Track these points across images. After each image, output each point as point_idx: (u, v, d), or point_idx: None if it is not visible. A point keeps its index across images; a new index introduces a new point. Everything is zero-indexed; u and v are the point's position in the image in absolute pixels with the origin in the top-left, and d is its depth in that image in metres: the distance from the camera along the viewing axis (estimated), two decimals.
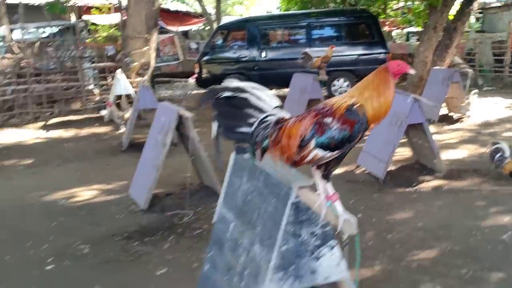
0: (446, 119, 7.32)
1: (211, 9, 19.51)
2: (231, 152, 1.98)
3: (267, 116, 1.37)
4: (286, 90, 8.83)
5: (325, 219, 1.42)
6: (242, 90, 1.35)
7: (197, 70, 10.73)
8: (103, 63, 10.69)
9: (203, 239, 3.36)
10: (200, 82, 10.73)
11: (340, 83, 9.84)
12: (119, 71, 8.49)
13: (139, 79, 8.34)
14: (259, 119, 1.37)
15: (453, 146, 5.78)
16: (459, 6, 8.57)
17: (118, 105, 7.97)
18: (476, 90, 7.75)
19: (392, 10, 16.74)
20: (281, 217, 1.59)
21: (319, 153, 1.29)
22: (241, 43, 10.37)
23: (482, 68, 12.32)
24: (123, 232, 3.55)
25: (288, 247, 1.59)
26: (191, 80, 14.03)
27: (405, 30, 16.77)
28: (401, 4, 14.99)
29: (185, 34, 17.11)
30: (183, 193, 4.32)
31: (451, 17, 8.67)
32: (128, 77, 8.55)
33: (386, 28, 16.29)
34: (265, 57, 10.07)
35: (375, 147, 4.65)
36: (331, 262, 1.64)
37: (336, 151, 1.30)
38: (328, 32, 10.32)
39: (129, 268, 3.00)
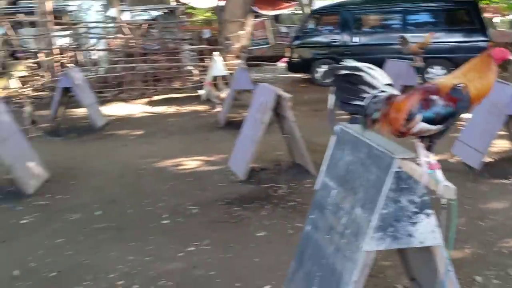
0: None
1: None
2: (334, 128, 2.21)
3: (379, 92, 1.59)
4: None
5: (426, 184, 1.61)
6: (358, 69, 1.59)
7: (288, 54, 10.99)
8: (199, 45, 11.37)
9: (296, 210, 3.66)
10: (291, 66, 10.99)
11: (436, 70, 9.55)
12: (216, 53, 9.03)
13: (236, 61, 8.79)
14: (372, 95, 1.59)
15: None
16: None
17: (215, 85, 8.50)
18: None
19: None
20: (383, 184, 1.81)
21: (425, 126, 1.49)
22: (333, 27, 10.43)
23: None
24: (225, 198, 3.96)
25: (388, 211, 1.81)
26: (280, 64, 14.34)
27: (509, 17, 15.59)
28: None
29: (276, 18, 17.41)
30: (277, 169, 4.66)
31: None
32: (224, 59, 9.07)
33: (487, 15, 15.27)
34: (357, 42, 10.04)
35: (471, 136, 4.61)
36: (426, 228, 1.83)
37: (440, 125, 1.49)
38: (425, 17, 10.01)
39: (233, 228, 3.39)
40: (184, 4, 14.00)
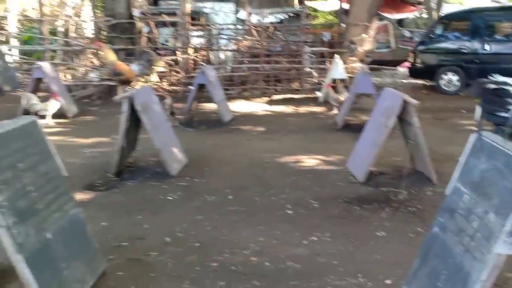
0: None
1: None
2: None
3: None
4: None
5: None
6: (507, 84, 1.70)
7: (411, 59, 10.73)
8: (319, 48, 11.61)
9: (417, 216, 3.72)
10: (414, 72, 10.72)
11: None
12: (337, 56, 9.20)
13: (358, 65, 8.87)
14: None
15: None
16: None
17: (334, 88, 8.67)
18: None
19: None
20: None
21: None
22: (463, 34, 9.95)
23: None
24: (344, 197, 4.15)
25: None
26: (401, 69, 13.97)
27: None
28: None
29: (400, 22, 16.94)
30: (397, 174, 4.71)
31: None
32: (345, 62, 9.20)
33: None
34: (488, 50, 9.47)
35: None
36: None
37: None
38: None
39: (352, 225, 3.58)
40: (309, 7, 14.34)
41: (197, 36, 10.67)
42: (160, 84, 9.52)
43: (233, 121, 7.48)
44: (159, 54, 10.06)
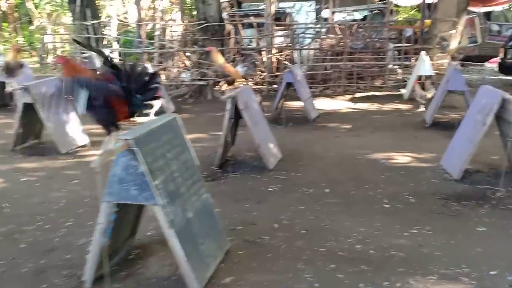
0: None
1: None
2: None
3: None
4: None
5: None
6: None
7: (501, 55, 10.29)
8: (402, 44, 11.46)
9: None
10: (504, 68, 10.28)
11: None
12: (423, 53, 9.08)
13: (446, 61, 8.72)
14: None
15: None
16: None
17: (421, 85, 8.59)
18: None
19: None
20: None
21: None
22: None
23: None
24: (440, 193, 4.25)
25: None
26: (488, 65, 13.36)
27: None
28: None
29: (487, 15, 16.12)
30: (493, 172, 4.70)
31: None
32: (431, 59, 9.06)
33: None
34: None
35: None
36: None
37: None
38: None
39: (452, 220, 3.69)
40: (390, 2, 14.14)
41: (281, 36, 10.99)
42: (246, 83, 9.96)
43: (319, 118, 7.70)
44: (244, 55, 10.55)
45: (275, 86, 10.24)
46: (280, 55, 10.64)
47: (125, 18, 15.44)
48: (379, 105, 8.82)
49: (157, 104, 7.71)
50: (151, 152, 2.56)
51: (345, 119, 7.74)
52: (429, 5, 12.48)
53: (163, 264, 3.00)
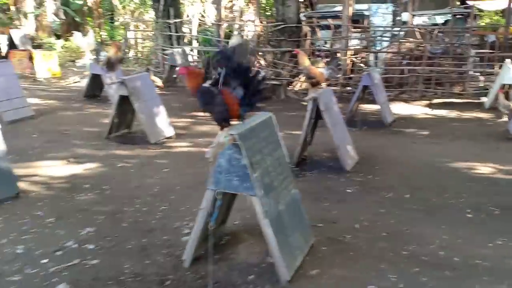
0: None
1: None
2: None
3: None
4: None
5: None
6: None
7: None
8: (485, 50, 10.98)
9: None
10: None
11: None
12: (508, 60, 8.68)
13: None
14: None
15: None
16: None
17: (506, 94, 8.23)
18: None
19: None
20: None
21: None
22: None
23: None
24: None
25: None
26: None
27: None
28: None
29: None
30: None
31: None
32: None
33: None
34: None
35: None
36: None
37: None
38: None
39: None
40: (473, 7, 13.58)
41: (357, 39, 10.95)
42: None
43: (395, 123, 7.64)
44: (319, 56, 10.64)
45: (348, 88, 10.24)
46: (355, 58, 10.61)
47: (203, 17, 16.03)
48: (458, 113, 8.56)
49: None
50: (251, 147, 2.77)
51: (422, 125, 7.62)
52: None
53: (252, 251, 3.22)
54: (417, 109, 8.96)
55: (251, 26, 12.27)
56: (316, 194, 4.47)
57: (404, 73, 10.24)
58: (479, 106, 8.96)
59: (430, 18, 10.93)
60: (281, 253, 2.77)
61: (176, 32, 12.43)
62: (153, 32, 14.30)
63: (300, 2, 13.13)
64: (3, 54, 14.32)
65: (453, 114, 8.51)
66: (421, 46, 10.31)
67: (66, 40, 18.64)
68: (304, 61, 5.13)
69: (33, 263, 3.03)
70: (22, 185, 4.31)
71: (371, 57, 10.91)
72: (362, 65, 9.75)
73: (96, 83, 8.90)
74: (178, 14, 13.11)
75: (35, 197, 4.20)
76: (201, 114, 8.12)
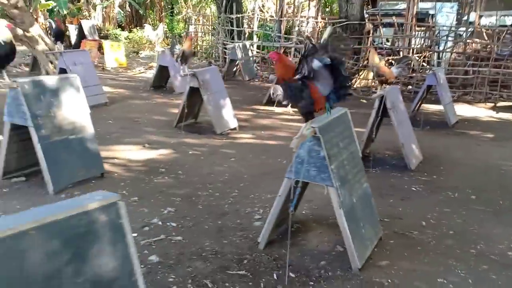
0: None
1: None
2: None
3: None
4: None
5: None
6: None
7: None
8: None
9: None
10: None
11: None
12: None
13: None
14: None
15: None
16: None
17: None
18: None
19: None
20: None
21: None
22: None
23: None
24: None
25: None
26: None
27: None
28: None
29: None
30: None
31: None
32: None
33: None
34: None
35: None
36: None
37: None
38: None
39: None
40: None
41: (421, 37, 10.77)
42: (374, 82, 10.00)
43: (458, 124, 7.52)
44: (380, 54, 10.55)
45: (409, 87, 10.12)
46: (418, 57, 10.45)
47: (262, 12, 16.25)
48: None
49: None
50: (329, 140, 2.94)
51: (486, 127, 7.45)
52: None
53: (322, 240, 3.39)
54: (481, 111, 8.74)
55: (312, 23, 12.35)
56: (380, 190, 4.55)
57: (469, 74, 9.98)
58: None
59: (498, 19, 10.54)
60: (354, 242, 2.92)
61: (238, 27, 12.73)
62: (213, 27, 14.69)
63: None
64: (73, 43, 15.26)
65: None
66: (488, 47, 9.99)
67: (130, 31, 19.50)
68: (374, 58, 5.21)
69: None
70: (105, 166, 4.69)
71: (435, 57, 10.69)
72: (425, 64, 9.59)
73: (163, 74, 9.34)
74: (240, 10, 13.40)
75: (117, 177, 4.57)
76: (262, 107, 8.38)
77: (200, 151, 5.59)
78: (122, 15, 20.73)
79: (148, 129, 6.55)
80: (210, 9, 19.36)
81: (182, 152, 5.48)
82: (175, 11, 21.61)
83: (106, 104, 7.93)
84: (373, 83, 9.66)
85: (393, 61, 10.55)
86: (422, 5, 12.13)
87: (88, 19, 17.59)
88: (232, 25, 12.73)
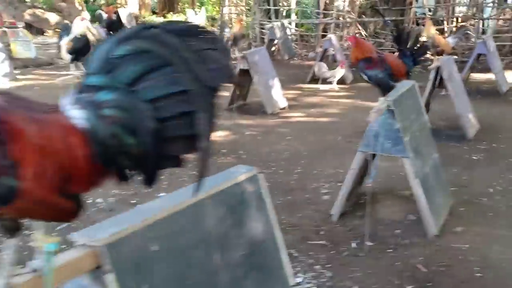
0: None
1: None
2: None
3: None
4: None
5: None
6: None
7: None
8: None
9: None
10: None
11: None
12: None
13: None
14: None
15: None
16: None
17: None
18: None
19: None
20: None
21: None
22: None
23: None
24: None
25: None
26: None
27: None
28: None
29: None
30: None
31: None
32: None
33: None
34: None
35: None
36: None
37: None
38: None
39: None
40: None
41: (464, 5, 10.47)
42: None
43: (510, 92, 7.36)
44: (422, 25, 10.34)
45: (455, 56, 9.88)
46: (462, 25, 10.17)
47: None
48: None
49: (339, 73, 8.21)
50: (402, 112, 3.01)
51: None
52: None
53: (392, 210, 3.49)
54: None
55: None
56: (442, 160, 4.56)
57: None
58: None
59: None
60: (430, 210, 3.01)
61: (274, 6, 12.69)
62: (249, 7, 14.69)
63: None
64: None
65: None
66: None
67: (164, 17, 19.72)
68: (430, 30, 5.17)
69: None
70: None
71: (480, 25, 10.37)
72: (470, 32, 9.32)
73: None
74: None
75: None
76: (306, 86, 8.43)
77: (256, 131, 5.73)
78: (155, 1, 20.98)
79: None
80: None
81: (239, 133, 5.64)
82: None
83: None
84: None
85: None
86: None
87: (125, 7, 17.90)
88: (268, 4, 12.70)
